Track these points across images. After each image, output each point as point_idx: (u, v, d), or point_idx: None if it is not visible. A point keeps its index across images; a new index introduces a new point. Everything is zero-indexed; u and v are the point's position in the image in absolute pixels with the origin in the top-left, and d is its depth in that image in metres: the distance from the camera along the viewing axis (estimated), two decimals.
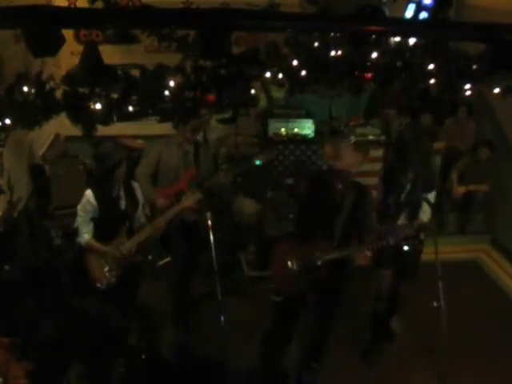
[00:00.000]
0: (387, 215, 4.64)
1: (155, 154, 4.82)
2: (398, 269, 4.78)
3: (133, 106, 3.28)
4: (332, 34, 3.47)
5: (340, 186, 4.11)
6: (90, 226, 4.24)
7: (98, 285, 4.21)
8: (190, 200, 4.48)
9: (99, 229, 4.26)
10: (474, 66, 3.54)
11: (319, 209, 4.11)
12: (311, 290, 4.17)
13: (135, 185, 4.45)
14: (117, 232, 4.26)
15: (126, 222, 4.30)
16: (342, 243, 4.09)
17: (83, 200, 4.22)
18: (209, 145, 5.31)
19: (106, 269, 4.23)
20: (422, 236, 4.72)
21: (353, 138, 6.71)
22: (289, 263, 4.12)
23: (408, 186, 4.64)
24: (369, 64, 3.53)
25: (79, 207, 4.25)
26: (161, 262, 5.97)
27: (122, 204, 4.28)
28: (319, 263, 4.03)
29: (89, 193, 4.21)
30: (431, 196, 4.61)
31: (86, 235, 4.24)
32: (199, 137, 5.15)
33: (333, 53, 3.46)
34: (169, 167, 4.79)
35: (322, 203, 4.11)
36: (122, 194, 4.27)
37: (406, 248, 4.63)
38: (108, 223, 4.25)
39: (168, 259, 5.81)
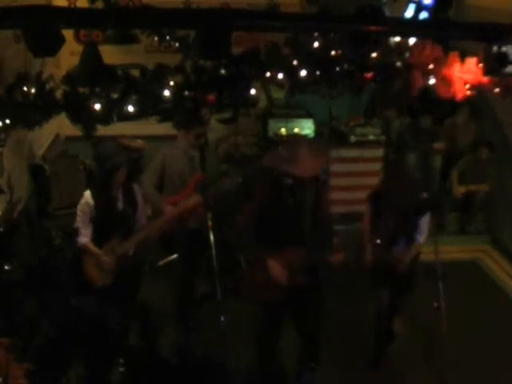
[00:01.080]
0: (381, 241, 4.46)
1: (159, 162, 4.81)
2: (395, 287, 4.69)
3: (133, 105, 3.28)
4: (332, 34, 3.48)
5: (299, 186, 3.93)
6: (90, 228, 4.24)
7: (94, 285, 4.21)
8: (190, 202, 4.48)
9: (96, 229, 4.25)
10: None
11: (283, 214, 3.95)
12: (291, 295, 4.03)
13: (136, 187, 4.43)
14: (113, 233, 4.25)
15: (122, 224, 4.28)
16: (312, 245, 3.96)
17: (82, 200, 4.23)
18: (210, 147, 5.33)
19: (102, 270, 4.22)
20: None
21: (353, 138, 6.74)
22: (264, 272, 3.98)
23: (402, 209, 4.42)
24: (369, 64, 3.53)
25: (78, 207, 4.25)
26: (161, 262, 5.97)
27: (120, 205, 4.27)
28: (295, 269, 3.92)
29: (88, 193, 4.21)
30: (425, 219, 4.46)
31: (83, 237, 4.24)
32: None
33: (333, 53, 3.46)
34: (174, 173, 4.78)
35: (284, 207, 3.95)
36: (119, 195, 4.26)
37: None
38: (105, 224, 4.25)
39: (168, 259, 5.82)
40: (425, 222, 4.44)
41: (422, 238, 4.48)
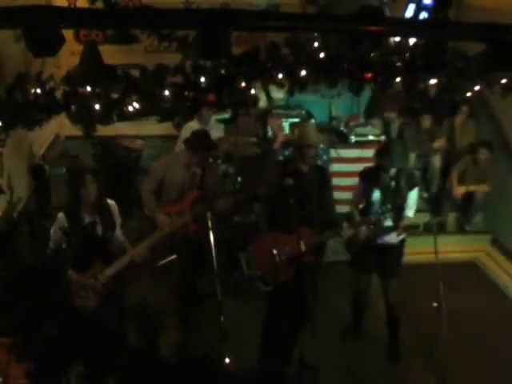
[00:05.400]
0: (371, 214, 4.55)
1: (161, 169, 4.79)
2: (381, 271, 4.80)
3: (133, 106, 3.29)
4: (332, 34, 3.48)
5: (305, 171, 4.26)
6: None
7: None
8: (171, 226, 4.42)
9: (76, 255, 4.07)
10: (474, 66, 3.54)
11: (292, 197, 4.11)
12: (298, 276, 4.13)
13: (111, 204, 4.20)
14: (94, 259, 4.07)
15: (103, 249, 4.11)
16: (322, 225, 4.25)
17: (56, 223, 4.04)
18: (216, 164, 5.29)
19: (85, 296, 4.07)
20: (404, 235, 4.72)
21: (353, 138, 6.74)
22: (274, 252, 4.22)
23: (392, 184, 4.58)
24: (369, 64, 3.53)
25: (52, 231, 4.08)
26: (161, 263, 5.95)
27: (99, 230, 4.08)
28: (304, 250, 4.09)
29: (61, 215, 4.03)
30: (413, 193, 4.64)
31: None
32: None
33: (333, 53, 3.47)
34: (173, 185, 4.73)
35: (292, 191, 4.13)
36: (97, 219, 4.06)
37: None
38: (84, 251, 4.07)
39: (168, 259, 5.80)
40: (413, 196, 4.63)
41: (410, 212, 4.64)
